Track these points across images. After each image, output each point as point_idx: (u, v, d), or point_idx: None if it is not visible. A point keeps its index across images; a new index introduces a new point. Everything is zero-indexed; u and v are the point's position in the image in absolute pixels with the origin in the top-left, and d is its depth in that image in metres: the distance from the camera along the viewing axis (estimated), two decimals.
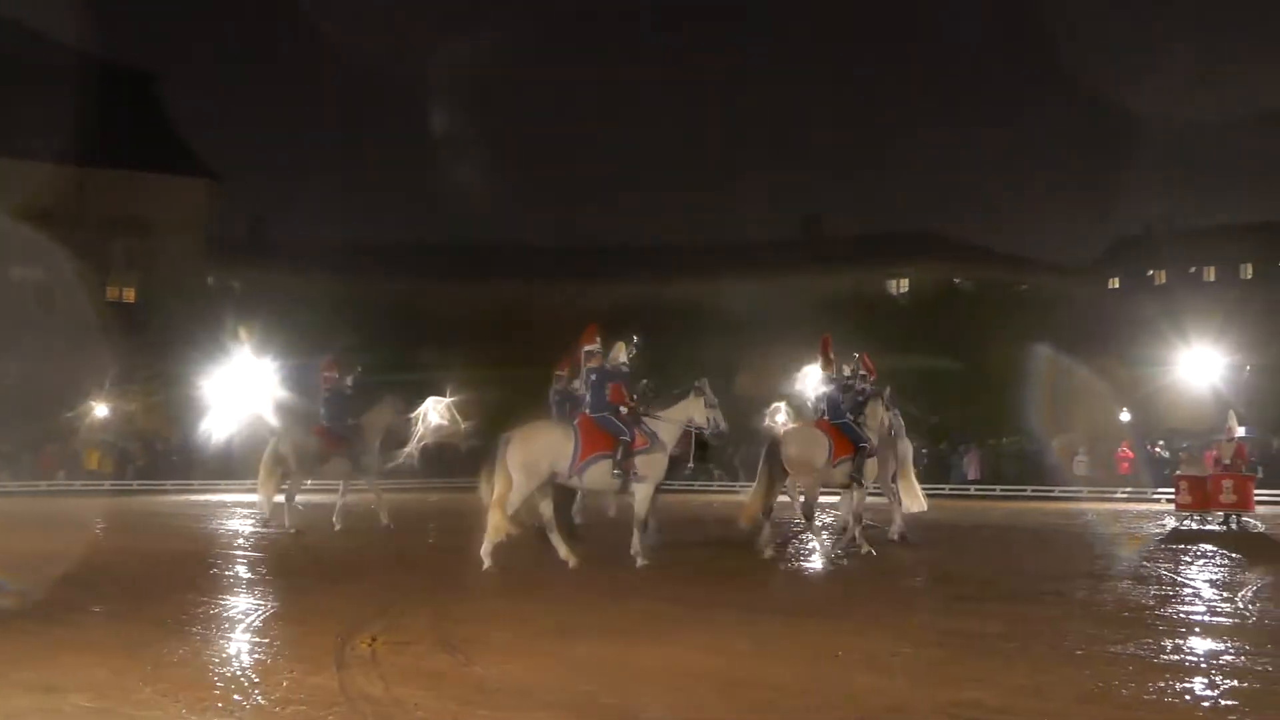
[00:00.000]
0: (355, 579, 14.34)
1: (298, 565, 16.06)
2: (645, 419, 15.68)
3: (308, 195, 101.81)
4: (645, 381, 16.86)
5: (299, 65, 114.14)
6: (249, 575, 14.86)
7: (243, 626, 10.36)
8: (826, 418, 18.15)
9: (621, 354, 16.59)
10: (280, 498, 21.72)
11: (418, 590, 13.08)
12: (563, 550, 15.20)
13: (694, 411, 16.00)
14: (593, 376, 15.74)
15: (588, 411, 15.65)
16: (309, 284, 57.53)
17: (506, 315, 59.28)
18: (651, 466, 15.56)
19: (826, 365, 18.67)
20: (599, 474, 15.33)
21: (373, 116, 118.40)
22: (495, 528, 14.93)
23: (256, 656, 9.05)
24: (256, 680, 8.07)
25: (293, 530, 20.82)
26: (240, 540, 20.62)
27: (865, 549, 17.23)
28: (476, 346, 50.36)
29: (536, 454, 15.04)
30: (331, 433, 22.08)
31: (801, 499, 18.78)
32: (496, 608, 11.67)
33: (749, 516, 17.61)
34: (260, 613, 11.14)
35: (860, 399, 18.49)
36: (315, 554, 17.82)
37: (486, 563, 14.79)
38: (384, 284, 62.74)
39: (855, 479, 18.04)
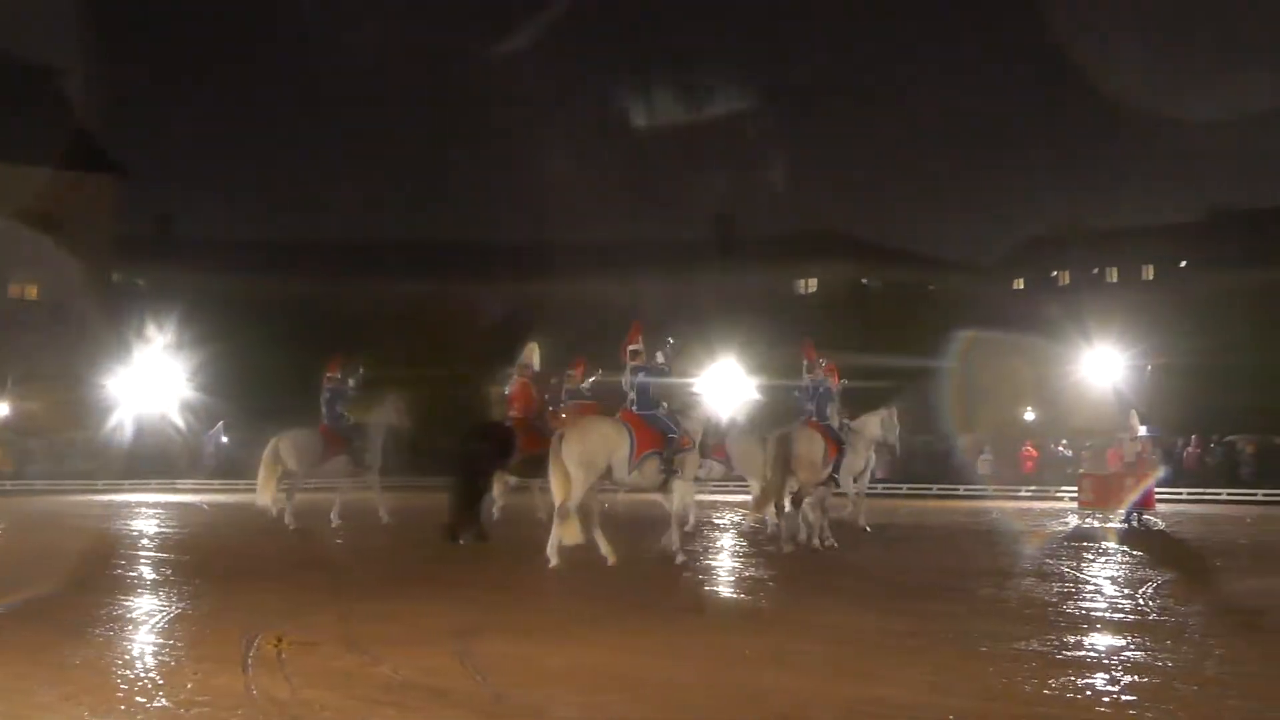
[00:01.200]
0: (261, 579, 14.23)
1: (203, 566, 15.90)
2: (679, 417, 15.97)
3: (216, 193, 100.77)
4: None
5: (206, 62, 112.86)
6: (153, 576, 14.69)
7: (147, 628, 10.25)
8: (815, 419, 18.76)
9: (531, 355, 16.81)
10: (278, 496, 21.91)
11: (324, 590, 13.02)
12: (604, 547, 15.29)
13: (710, 410, 16.63)
14: (640, 375, 15.89)
15: (634, 409, 15.81)
16: (216, 282, 56.97)
17: (415, 313, 59.01)
18: (690, 465, 16.01)
19: (811, 369, 19.23)
20: (649, 471, 15.56)
21: (280, 114, 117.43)
22: (569, 531, 14.99)
23: (161, 658, 8.97)
24: (161, 682, 7.99)
25: (293, 527, 21.21)
26: (145, 541, 20.42)
27: (805, 543, 17.82)
28: (384, 345, 50.18)
29: (594, 449, 15.16)
30: (334, 432, 22.30)
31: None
32: (404, 608, 11.61)
33: (761, 509, 18.09)
34: (165, 614, 11.02)
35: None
36: (221, 554, 17.70)
37: (554, 560, 14.90)
38: (291, 282, 62.23)
39: (834, 478, 19.20)
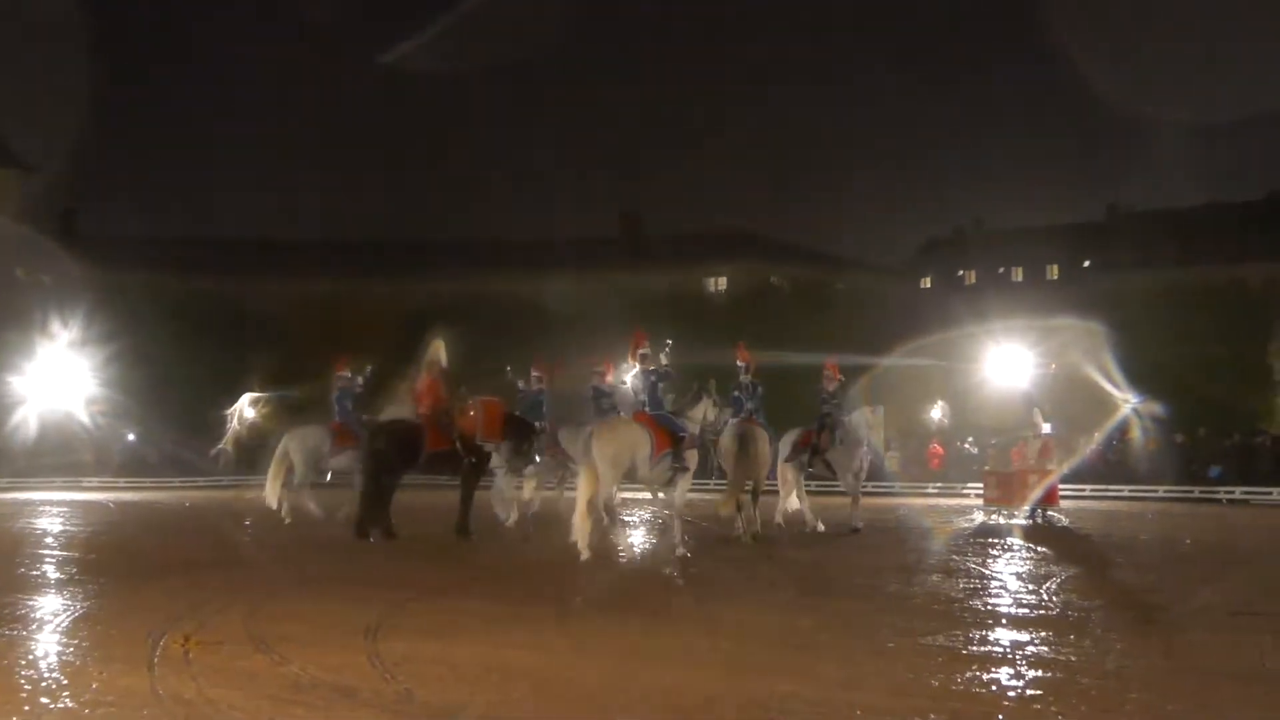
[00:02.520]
0: (167, 578, 14.07)
1: (108, 565, 15.73)
2: (680, 418, 16.78)
3: (120, 189, 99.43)
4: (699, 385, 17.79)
5: (111, 57, 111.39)
6: (58, 575, 14.51)
7: (51, 627, 10.14)
8: (756, 418, 19.73)
9: (438, 353, 17.30)
10: (282, 493, 22.40)
11: (231, 589, 12.88)
12: (583, 541, 15.58)
13: (708, 411, 17.42)
14: (652, 378, 16.73)
15: (646, 410, 16.62)
16: (122, 279, 56.12)
17: (321, 311, 58.54)
18: (692, 460, 16.83)
19: (747, 370, 20.04)
20: (662, 469, 16.38)
21: (185, 110, 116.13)
22: (583, 527, 15.48)
23: (66, 658, 8.87)
24: (65, 682, 7.91)
25: (321, 516, 21.84)
26: (50, 539, 20.16)
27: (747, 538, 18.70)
28: (291, 343, 49.86)
29: (623, 448, 15.90)
30: (345, 427, 22.65)
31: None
32: (311, 606, 11.55)
33: (728, 505, 18.74)
34: (69, 613, 10.90)
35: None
36: (126, 553, 17.52)
37: (586, 553, 15.39)
38: (198, 279, 61.48)
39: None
